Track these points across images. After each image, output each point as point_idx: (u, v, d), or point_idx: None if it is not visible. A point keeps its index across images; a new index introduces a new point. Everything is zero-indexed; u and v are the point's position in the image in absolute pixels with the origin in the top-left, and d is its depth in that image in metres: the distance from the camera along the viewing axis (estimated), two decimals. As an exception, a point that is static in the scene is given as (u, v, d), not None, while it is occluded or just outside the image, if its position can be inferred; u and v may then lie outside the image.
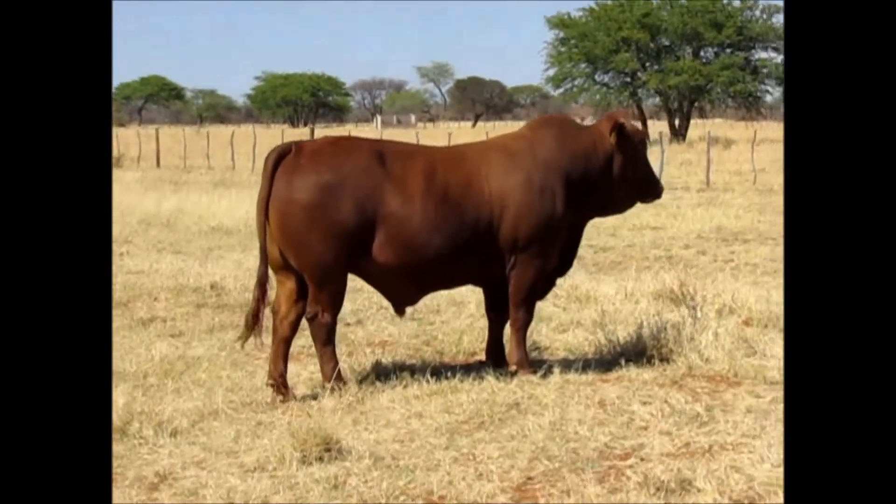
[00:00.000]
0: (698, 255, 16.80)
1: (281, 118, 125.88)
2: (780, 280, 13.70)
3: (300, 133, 65.47)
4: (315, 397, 8.11)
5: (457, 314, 11.21)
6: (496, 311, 8.82)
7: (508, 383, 8.27)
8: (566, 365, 8.76)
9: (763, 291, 12.11)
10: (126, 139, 55.57)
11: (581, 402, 7.79)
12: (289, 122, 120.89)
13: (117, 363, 8.95)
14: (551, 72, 63.96)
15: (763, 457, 6.49)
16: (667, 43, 62.15)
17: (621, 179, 8.88)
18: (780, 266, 14.76)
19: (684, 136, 59.50)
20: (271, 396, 8.10)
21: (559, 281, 12.40)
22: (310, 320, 8.16)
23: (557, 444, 6.85)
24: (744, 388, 8.19)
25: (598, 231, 19.34)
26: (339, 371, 8.24)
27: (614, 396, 7.90)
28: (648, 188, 9.11)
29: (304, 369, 9.10)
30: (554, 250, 8.62)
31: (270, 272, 8.26)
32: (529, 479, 6.30)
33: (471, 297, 11.50)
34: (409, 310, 10.80)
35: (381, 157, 8.17)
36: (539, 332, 10.14)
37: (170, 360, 9.36)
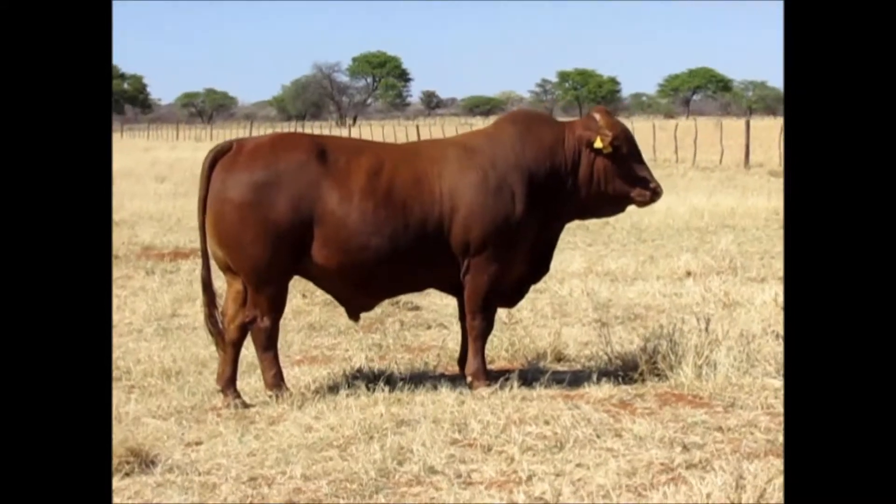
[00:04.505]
0: None
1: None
2: None
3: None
4: (252, 405, 7.96)
5: (548, 320, 10.58)
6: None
7: (448, 396, 7.76)
8: (534, 378, 8.11)
9: None
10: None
11: (482, 419, 7.19)
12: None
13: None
14: None
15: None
16: None
17: (600, 180, 8.09)
18: None
19: None
20: (221, 401, 8.03)
21: (714, 284, 11.59)
22: (249, 324, 8.01)
23: (375, 466, 6.37)
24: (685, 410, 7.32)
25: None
26: (280, 378, 8.04)
27: (529, 416, 7.24)
28: (637, 189, 8.22)
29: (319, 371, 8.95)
30: (514, 255, 7.99)
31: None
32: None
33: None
34: (507, 316, 10.43)
35: (322, 154, 7.87)
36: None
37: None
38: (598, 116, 8.18)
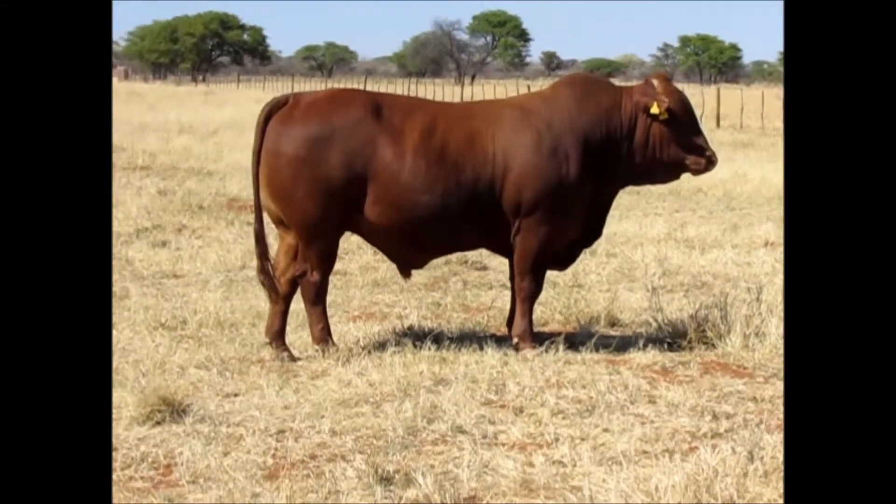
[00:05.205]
0: None
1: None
2: None
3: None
4: (299, 359, 7.99)
5: (611, 284, 10.49)
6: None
7: (493, 357, 7.75)
8: (582, 342, 8.06)
9: None
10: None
11: (520, 381, 7.20)
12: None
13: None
14: None
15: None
16: None
17: (655, 146, 8.02)
18: None
19: None
20: (268, 354, 8.08)
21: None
22: (299, 278, 8.06)
23: (404, 424, 6.40)
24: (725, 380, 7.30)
25: None
26: (328, 333, 8.08)
27: (568, 379, 7.23)
28: (692, 157, 8.13)
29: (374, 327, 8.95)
30: (565, 218, 7.95)
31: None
32: (301, 461, 5.89)
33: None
34: (571, 278, 10.37)
35: (377, 111, 7.89)
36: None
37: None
38: (655, 82, 8.12)
